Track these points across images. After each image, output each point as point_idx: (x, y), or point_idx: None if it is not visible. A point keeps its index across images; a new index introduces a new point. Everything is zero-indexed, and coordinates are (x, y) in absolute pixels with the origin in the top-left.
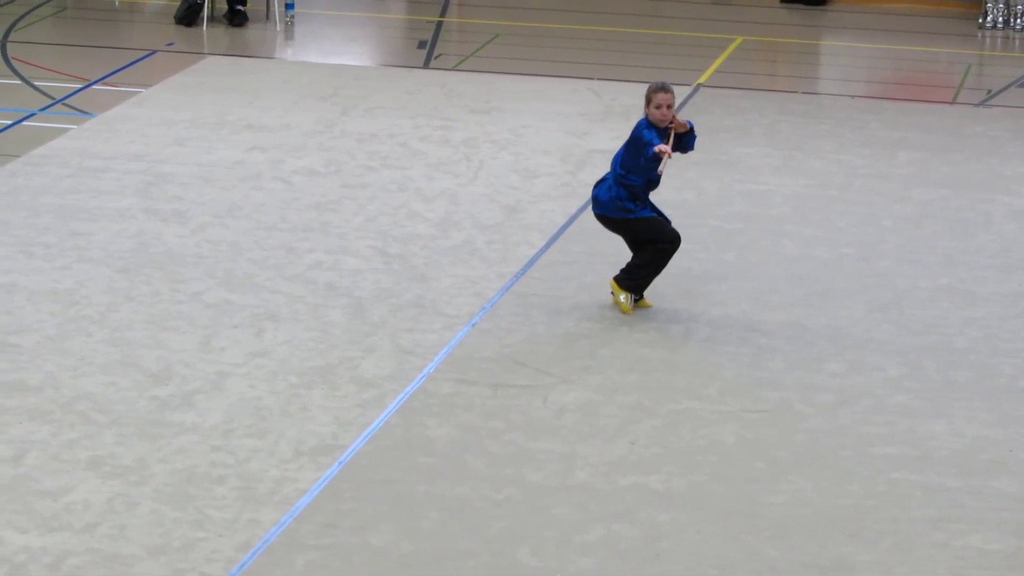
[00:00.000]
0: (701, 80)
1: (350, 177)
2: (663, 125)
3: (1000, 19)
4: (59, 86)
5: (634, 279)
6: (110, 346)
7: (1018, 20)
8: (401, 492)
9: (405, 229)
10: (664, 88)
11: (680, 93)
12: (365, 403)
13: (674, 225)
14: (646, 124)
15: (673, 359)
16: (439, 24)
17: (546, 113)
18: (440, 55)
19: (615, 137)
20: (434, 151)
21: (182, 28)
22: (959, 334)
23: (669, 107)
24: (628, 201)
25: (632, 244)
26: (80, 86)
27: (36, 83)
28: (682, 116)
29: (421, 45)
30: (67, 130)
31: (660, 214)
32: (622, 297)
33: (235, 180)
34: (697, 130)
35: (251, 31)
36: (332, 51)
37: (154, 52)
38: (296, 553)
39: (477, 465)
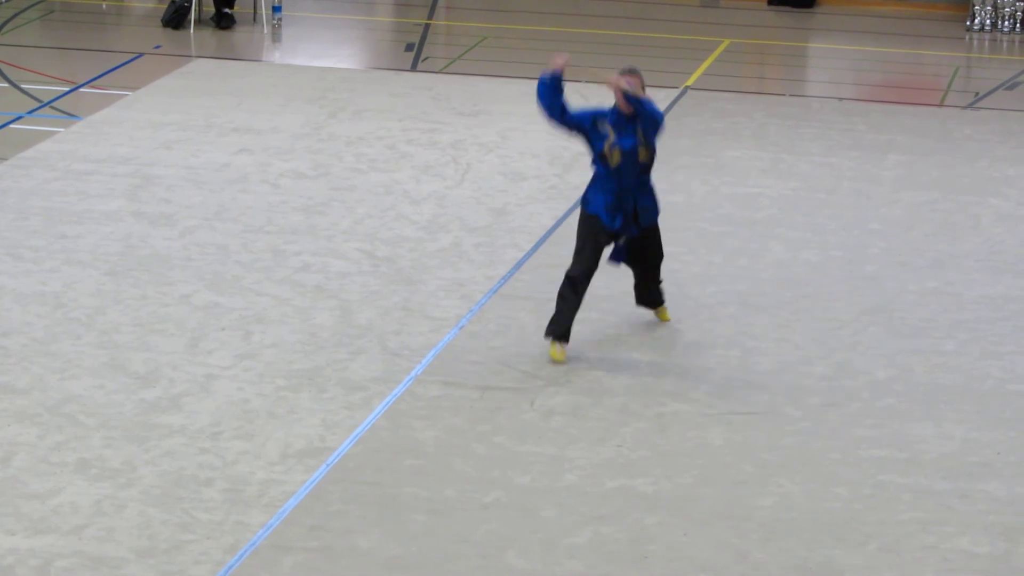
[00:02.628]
0: (689, 83)
1: (338, 180)
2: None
3: (988, 21)
4: (46, 89)
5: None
6: (98, 349)
7: (1006, 22)
8: (388, 495)
9: (393, 232)
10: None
11: (668, 95)
12: (352, 405)
13: (662, 227)
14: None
15: (661, 362)
16: (426, 27)
17: (533, 116)
18: (428, 58)
19: None
20: (422, 154)
21: (169, 31)
22: (947, 337)
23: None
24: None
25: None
26: (67, 89)
27: (23, 86)
28: (669, 119)
29: (409, 48)
30: (54, 133)
31: (607, 233)
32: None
33: (223, 183)
34: (685, 133)
35: (238, 34)
36: (319, 54)
37: (141, 55)
38: (283, 555)
39: (464, 468)
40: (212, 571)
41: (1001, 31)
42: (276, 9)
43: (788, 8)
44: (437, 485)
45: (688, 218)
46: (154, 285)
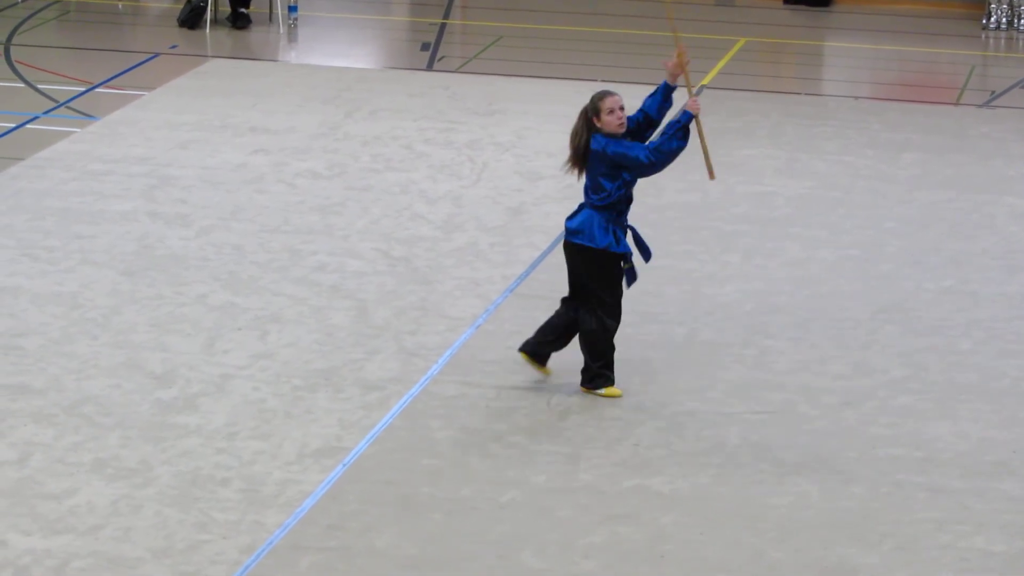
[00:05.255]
0: (705, 81)
1: (354, 180)
2: (622, 131)
3: (1004, 20)
4: (62, 89)
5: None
6: (114, 349)
7: (1022, 21)
8: (405, 494)
9: (409, 231)
10: (609, 92)
11: (684, 95)
12: (369, 405)
13: (678, 226)
14: (608, 138)
15: (677, 361)
16: (442, 26)
17: (549, 115)
18: (443, 57)
19: None
20: (438, 153)
21: (185, 31)
22: (963, 335)
23: (622, 108)
24: (598, 227)
25: (573, 289)
26: (83, 89)
27: (39, 86)
28: None
29: (424, 47)
30: (70, 133)
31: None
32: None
33: (239, 183)
34: (701, 131)
35: (254, 34)
36: (335, 53)
37: (157, 55)
38: (300, 555)
39: (481, 467)
40: (229, 571)
41: (1018, 29)
42: (292, 9)
43: (804, 7)
44: (453, 485)
45: (703, 217)
46: (170, 285)
